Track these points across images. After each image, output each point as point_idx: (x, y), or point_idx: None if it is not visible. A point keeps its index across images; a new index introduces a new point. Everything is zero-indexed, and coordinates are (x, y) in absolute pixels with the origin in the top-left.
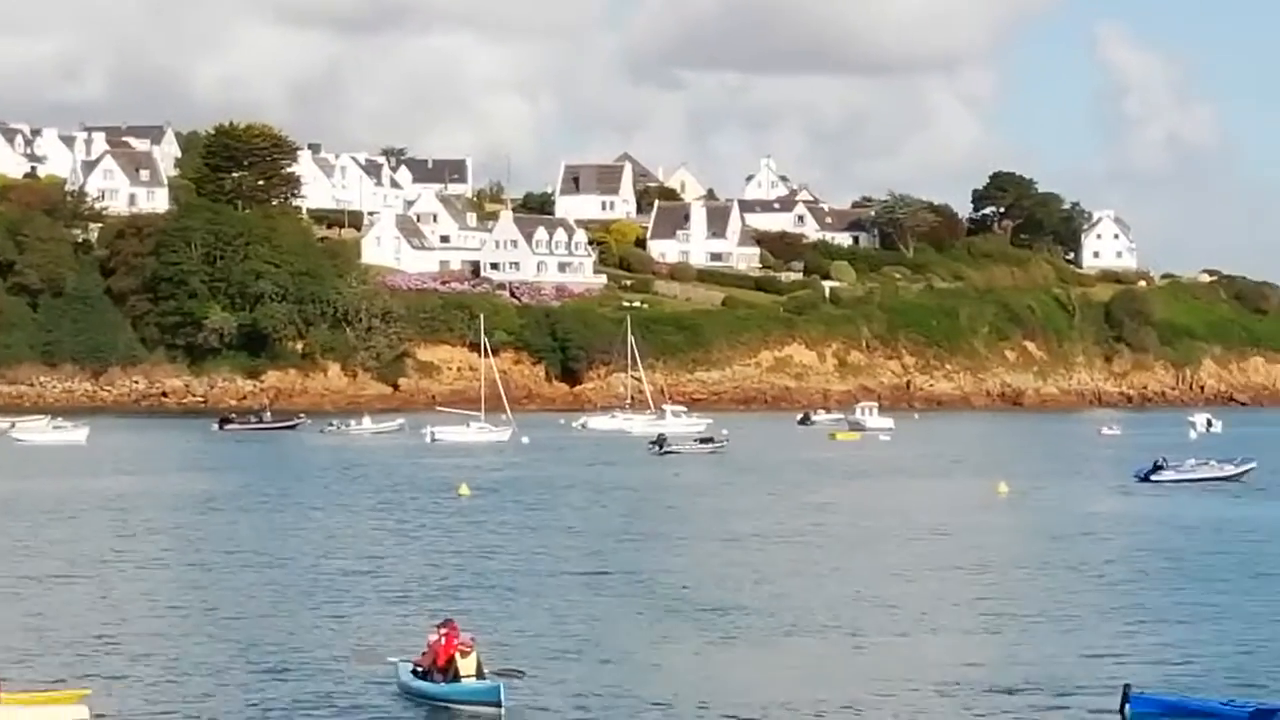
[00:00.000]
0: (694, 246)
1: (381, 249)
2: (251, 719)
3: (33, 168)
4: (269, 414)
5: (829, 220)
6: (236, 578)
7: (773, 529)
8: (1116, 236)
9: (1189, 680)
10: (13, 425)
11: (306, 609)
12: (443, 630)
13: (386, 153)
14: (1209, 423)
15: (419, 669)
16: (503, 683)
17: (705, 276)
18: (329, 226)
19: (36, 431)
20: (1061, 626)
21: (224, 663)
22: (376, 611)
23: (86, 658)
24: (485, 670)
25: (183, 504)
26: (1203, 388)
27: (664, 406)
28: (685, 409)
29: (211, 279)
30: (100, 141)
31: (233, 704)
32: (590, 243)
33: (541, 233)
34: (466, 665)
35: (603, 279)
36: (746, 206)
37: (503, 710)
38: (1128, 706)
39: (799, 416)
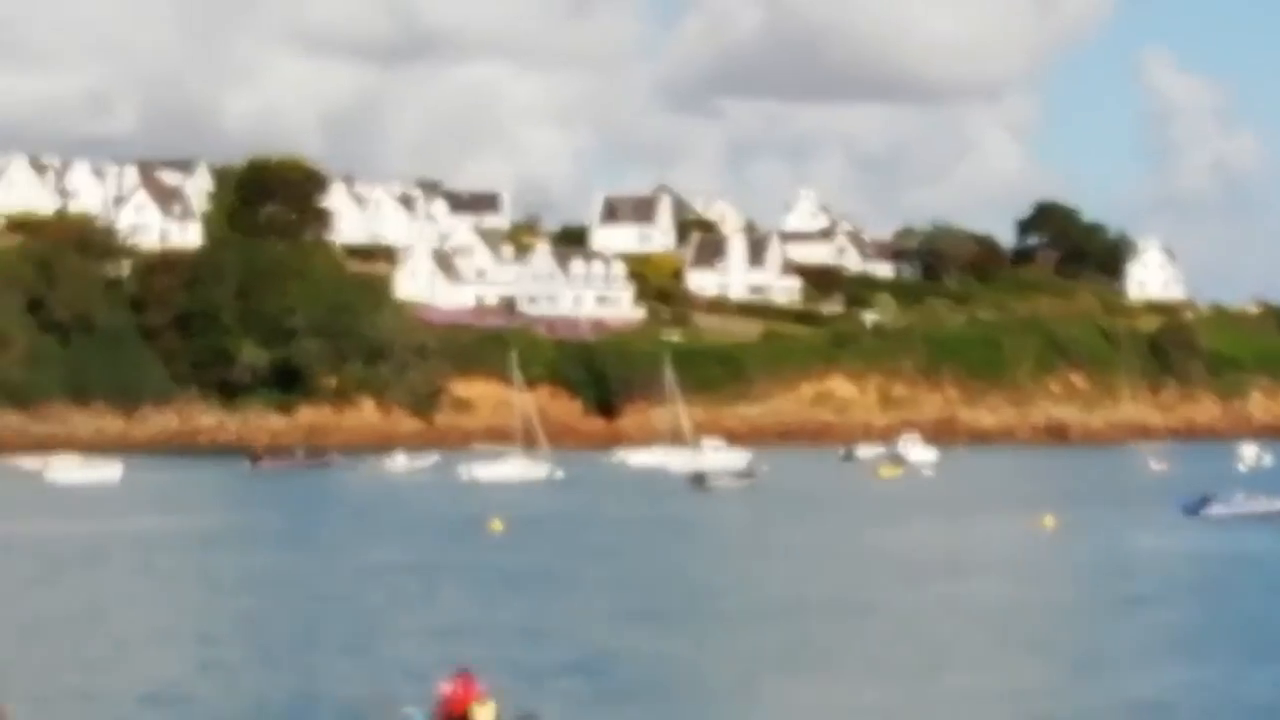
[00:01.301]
0: (733, 278)
1: (416, 283)
2: None
3: (64, 203)
4: (301, 451)
5: (870, 251)
6: (257, 620)
7: (816, 567)
8: (1162, 266)
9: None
10: (45, 465)
11: (327, 653)
12: (458, 680)
13: (421, 184)
14: (1259, 455)
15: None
16: None
17: (744, 309)
18: (363, 260)
19: (69, 471)
20: (1115, 661)
21: (236, 711)
22: (400, 657)
23: (97, 699)
24: (502, 718)
25: (210, 544)
26: (1251, 420)
27: (703, 441)
28: (725, 443)
29: (244, 314)
30: (132, 175)
31: None
32: (628, 275)
33: (578, 265)
34: (484, 716)
35: (641, 312)
36: (786, 237)
37: None
38: None
39: (842, 451)
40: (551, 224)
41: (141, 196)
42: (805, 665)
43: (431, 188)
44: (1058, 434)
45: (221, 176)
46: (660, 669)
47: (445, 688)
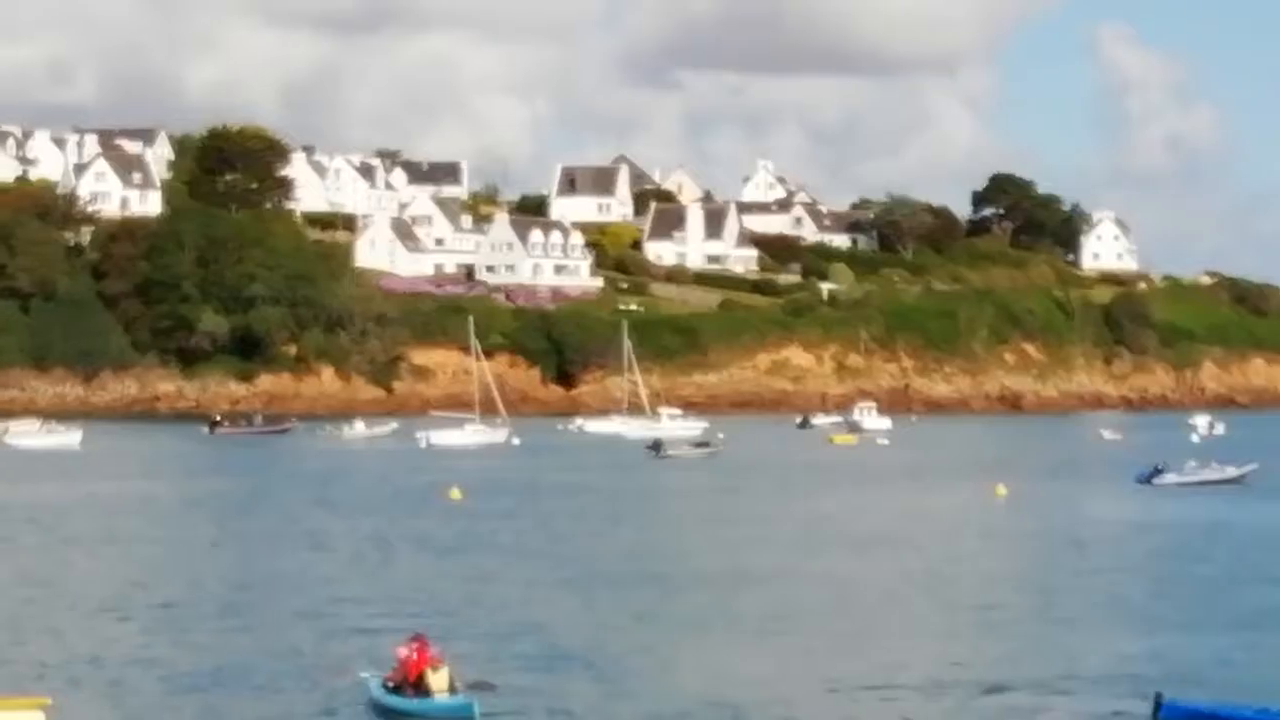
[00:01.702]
0: (691, 249)
1: (376, 252)
2: None
3: (24, 170)
4: (260, 418)
5: (827, 222)
6: (214, 586)
7: (768, 534)
8: (1117, 238)
9: (1203, 686)
10: (6, 430)
11: (282, 619)
12: (413, 645)
13: (381, 155)
14: (1211, 425)
15: (390, 684)
16: (476, 698)
17: (702, 279)
18: (323, 229)
19: (30, 436)
20: (1068, 630)
21: (192, 674)
22: (354, 623)
23: (52, 666)
24: (457, 684)
25: (168, 510)
26: (1204, 390)
27: (660, 410)
28: (681, 412)
29: (204, 282)
30: (92, 144)
31: (198, 718)
32: (586, 245)
33: (537, 235)
34: (438, 680)
35: (599, 282)
36: (744, 208)
37: None
38: (1159, 713)
39: (798, 420)
40: (510, 194)
41: (102, 165)
42: (750, 632)
43: (391, 157)
44: (1012, 403)
45: (182, 145)
46: (608, 636)
47: (401, 652)
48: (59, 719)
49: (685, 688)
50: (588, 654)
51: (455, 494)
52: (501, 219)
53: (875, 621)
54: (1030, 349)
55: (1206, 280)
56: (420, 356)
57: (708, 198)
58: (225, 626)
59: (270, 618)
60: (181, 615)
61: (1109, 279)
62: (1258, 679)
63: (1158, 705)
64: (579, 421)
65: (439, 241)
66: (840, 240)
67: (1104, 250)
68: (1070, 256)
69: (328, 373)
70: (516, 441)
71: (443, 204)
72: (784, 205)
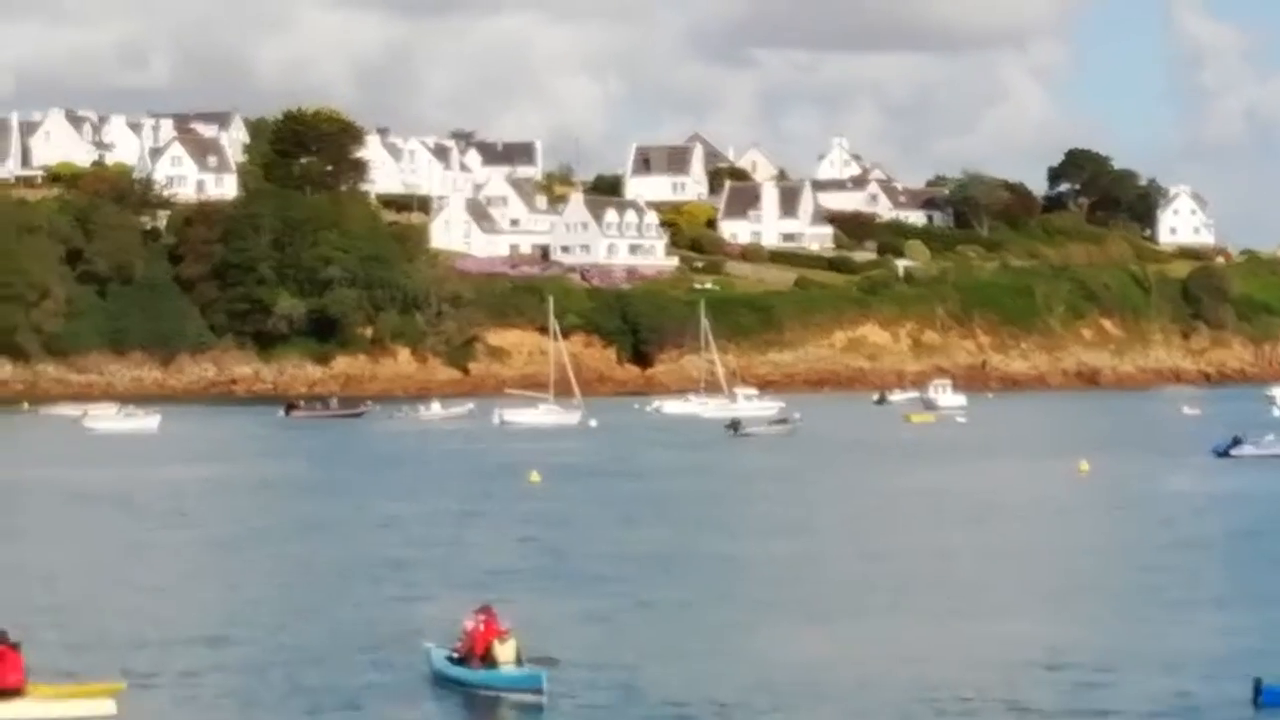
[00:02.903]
0: (766, 227)
1: (451, 233)
2: (284, 710)
3: (100, 155)
4: (335, 401)
5: (902, 199)
6: (288, 567)
7: (849, 513)
8: (1194, 212)
9: None
10: (85, 413)
11: (353, 597)
12: (481, 616)
13: (455, 136)
14: None
15: (455, 655)
16: (546, 670)
17: (777, 257)
18: (398, 211)
19: (108, 419)
20: (1159, 608)
21: (266, 654)
22: (425, 599)
23: (128, 650)
24: (523, 656)
25: (246, 492)
26: None
27: (736, 389)
28: (758, 391)
29: (280, 265)
30: (168, 128)
31: (270, 694)
32: (661, 224)
33: (612, 215)
34: (505, 652)
35: (674, 261)
36: (819, 186)
37: (545, 697)
38: (1260, 698)
39: (875, 397)
40: (585, 174)
41: (177, 149)
42: (831, 609)
43: (465, 139)
44: (1089, 379)
45: (256, 128)
46: (677, 616)
47: (468, 624)
48: (132, 704)
49: (751, 667)
50: (657, 634)
51: (534, 477)
52: (576, 199)
53: (965, 599)
54: (1107, 325)
55: None
56: (496, 338)
57: (782, 176)
58: (295, 605)
59: (341, 597)
60: (256, 594)
61: (1186, 253)
62: None
63: (1258, 690)
64: (656, 402)
65: (514, 222)
66: (916, 217)
67: (1181, 225)
68: (1147, 231)
69: (404, 354)
70: (594, 423)
71: (517, 185)
72: (859, 182)
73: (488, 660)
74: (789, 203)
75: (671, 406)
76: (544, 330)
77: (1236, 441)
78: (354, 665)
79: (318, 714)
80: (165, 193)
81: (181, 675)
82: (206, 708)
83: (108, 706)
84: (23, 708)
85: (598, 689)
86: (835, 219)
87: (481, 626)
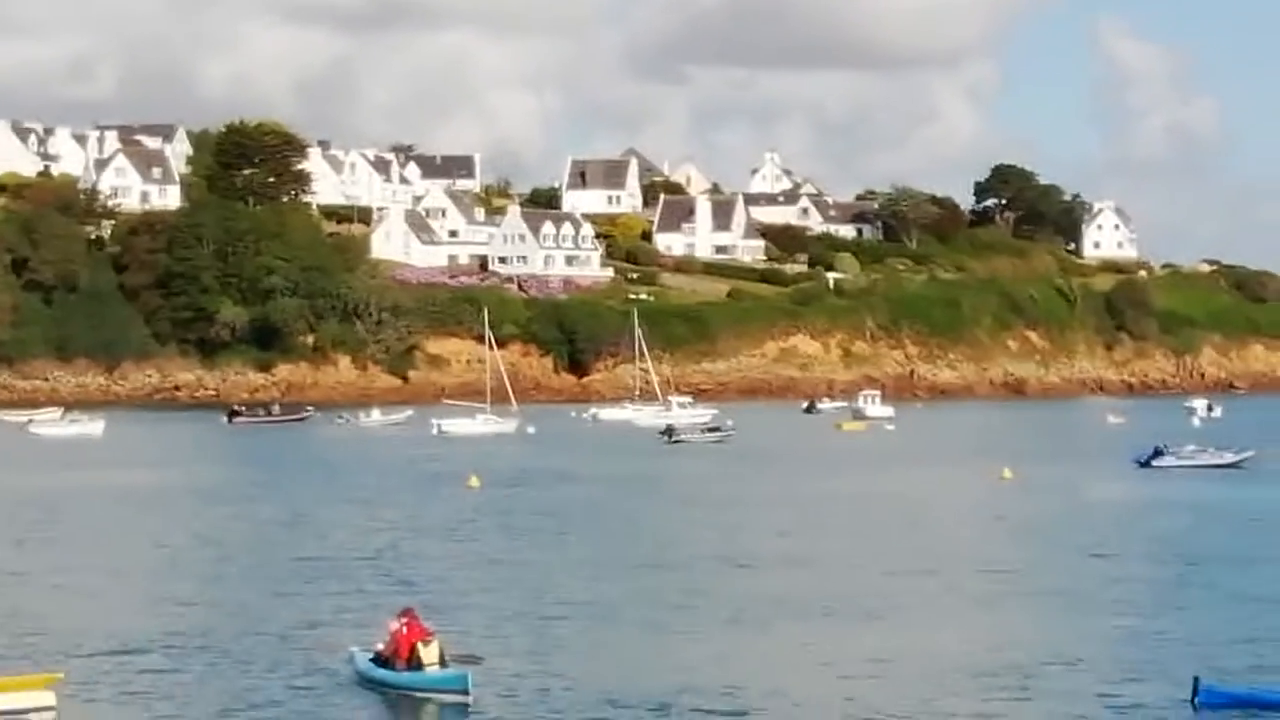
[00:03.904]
0: (699, 240)
1: (391, 244)
2: (211, 707)
3: (46, 166)
4: (277, 407)
5: (833, 213)
6: (226, 569)
7: (776, 518)
8: (1117, 227)
9: (1217, 667)
10: (30, 420)
11: (286, 599)
12: (403, 619)
13: (395, 149)
14: (1209, 408)
15: (377, 657)
16: (469, 670)
17: (711, 269)
18: (339, 222)
19: (53, 425)
20: (1082, 613)
21: (191, 651)
22: (356, 603)
23: (66, 645)
24: (446, 658)
25: (187, 496)
26: (1203, 375)
27: (670, 397)
28: (691, 399)
29: (223, 274)
30: (112, 140)
31: (198, 692)
32: (597, 236)
33: (549, 227)
34: (429, 653)
35: (609, 272)
36: (751, 200)
37: (470, 697)
38: (1198, 697)
39: (804, 405)
40: (522, 187)
41: (122, 160)
42: (755, 615)
43: (405, 152)
44: (1015, 389)
45: (200, 141)
46: (606, 617)
47: (392, 625)
48: (70, 694)
49: (673, 667)
50: (580, 634)
51: (473, 481)
52: (514, 211)
53: (888, 603)
54: (1033, 336)
55: (1205, 268)
56: (435, 346)
57: (715, 190)
58: (228, 606)
59: (275, 600)
60: (191, 600)
61: (1109, 267)
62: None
63: (1195, 689)
64: (593, 410)
65: (453, 234)
66: (846, 231)
67: (1104, 239)
68: (1071, 245)
69: (344, 362)
70: (532, 430)
71: (456, 197)
72: (790, 197)
73: (412, 662)
74: (722, 216)
75: (607, 414)
76: (481, 339)
77: (1158, 452)
78: (281, 666)
79: (243, 713)
80: (110, 203)
81: (116, 669)
82: (139, 701)
83: (46, 698)
84: None
85: (523, 688)
86: (767, 232)
87: (405, 629)
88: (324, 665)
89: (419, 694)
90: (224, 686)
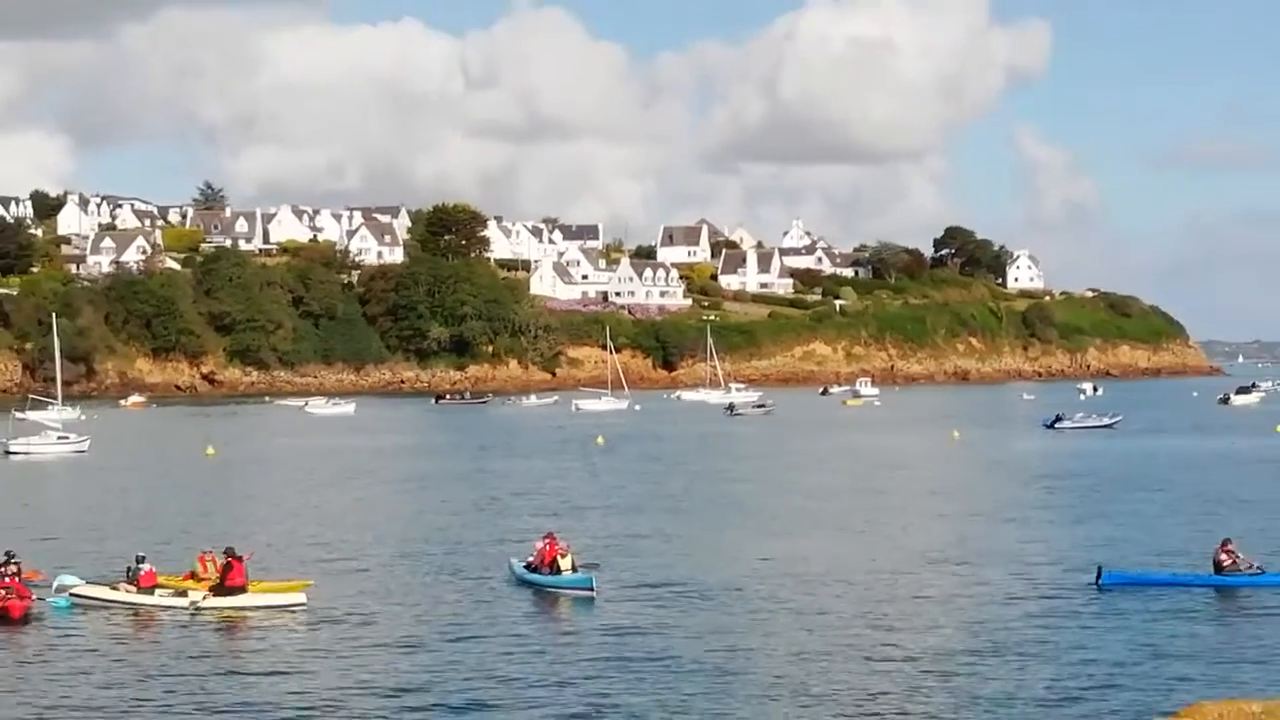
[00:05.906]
0: (749, 279)
1: (543, 284)
2: (418, 598)
3: (314, 235)
4: (468, 394)
5: (838, 260)
6: (431, 503)
7: (803, 462)
8: (1030, 267)
9: (1111, 555)
10: (305, 404)
11: (472, 526)
12: (546, 539)
13: (545, 220)
14: (1094, 388)
15: (528, 565)
16: (594, 574)
17: (757, 299)
18: (508, 270)
19: (321, 407)
20: (1014, 525)
21: (408, 564)
22: (522, 528)
23: (317, 559)
24: (576, 565)
25: (408, 453)
26: (1089, 366)
27: (730, 385)
28: (745, 386)
29: (432, 306)
30: (357, 217)
31: (408, 592)
32: (680, 278)
33: (648, 272)
34: (565, 563)
35: (689, 302)
36: (784, 252)
37: (594, 593)
38: (1100, 579)
39: (820, 390)
40: (630, 245)
41: (364, 231)
42: (793, 522)
43: (552, 222)
44: (962, 377)
45: (416, 216)
46: (692, 535)
47: (538, 544)
48: (317, 596)
49: (740, 564)
50: (674, 541)
51: (599, 440)
52: (625, 262)
53: (867, 516)
54: (974, 341)
55: (1090, 294)
56: (574, 352)
57: (760, 246)
58: (432, 529)
59: (464, 523)
60: (406, 521)
61: (1025, 295)
62: (1159, 549)
63: (1099, 574)
64: (678, 393)
65: (584, 277)
66: (847, 271)
67: (1021, 275)
68: (999, 280)
69: (513, 363)
70: (638, 407)
71: (586, 252)
72: (810, 249)
73: (553, 568)
74: (764, 263)
75: (688, 396)
76: (604, 347)
77: (1059, 418)
78: (464, 572)
79: (439, 605)
80: (356, 259)
81: (353, 580)
82: (366, 599)
83: (299, 598)
84: (245, 598)
85: (632, 585)
86: (794, 274)
87: (547, 546)
88: (494, 572)
89: (558, 590)
90: (424, 585)
